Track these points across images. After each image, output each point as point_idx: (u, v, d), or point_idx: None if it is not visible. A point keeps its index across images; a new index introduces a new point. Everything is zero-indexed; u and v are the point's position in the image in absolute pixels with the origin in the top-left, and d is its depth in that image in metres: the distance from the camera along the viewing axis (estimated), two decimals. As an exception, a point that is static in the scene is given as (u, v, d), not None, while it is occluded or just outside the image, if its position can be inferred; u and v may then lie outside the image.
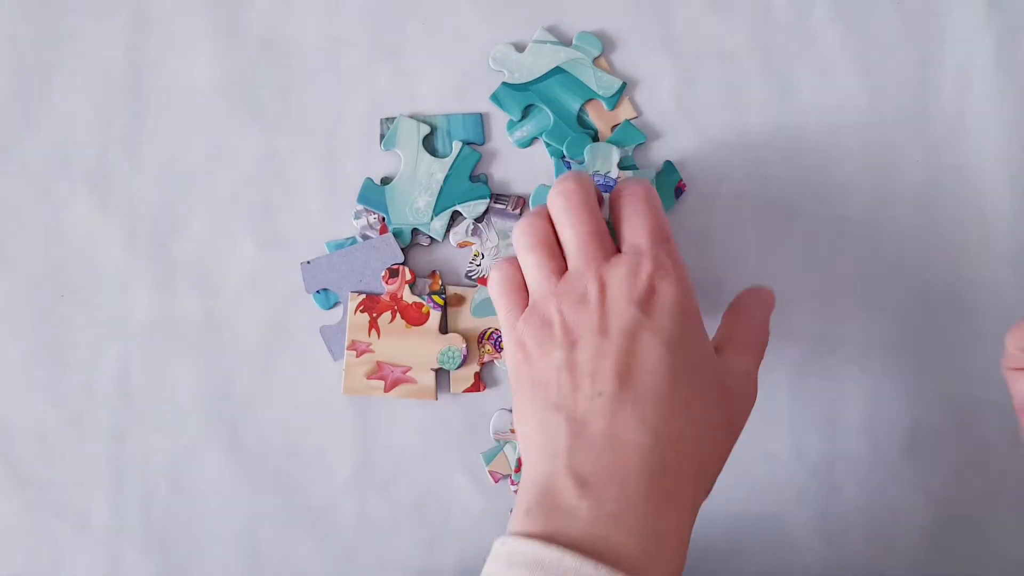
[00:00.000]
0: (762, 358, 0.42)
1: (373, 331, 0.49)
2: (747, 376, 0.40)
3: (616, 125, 0.50)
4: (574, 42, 0.50)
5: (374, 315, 0.49)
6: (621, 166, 0.50)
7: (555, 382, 0.37)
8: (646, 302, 0.37)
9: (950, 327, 0.50)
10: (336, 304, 0.50)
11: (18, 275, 0.50)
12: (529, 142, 0.50)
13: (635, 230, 0.39)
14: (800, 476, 0.49)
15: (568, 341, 0.38)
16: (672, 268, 0.38)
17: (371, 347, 0.49)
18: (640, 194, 0.40)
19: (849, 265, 0.50)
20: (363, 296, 0.49)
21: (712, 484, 0.39)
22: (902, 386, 0.50)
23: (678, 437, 0.36)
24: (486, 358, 0.49)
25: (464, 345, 0.49)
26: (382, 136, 0.50)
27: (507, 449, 0.49)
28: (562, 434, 0.36)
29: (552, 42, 0.50)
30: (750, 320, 0.43)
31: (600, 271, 0.38)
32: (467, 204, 0.50)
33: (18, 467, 0.50)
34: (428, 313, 0.49)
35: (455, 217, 0.50)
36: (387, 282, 0.49)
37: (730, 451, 0.40)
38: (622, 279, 0.38)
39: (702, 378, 0.38)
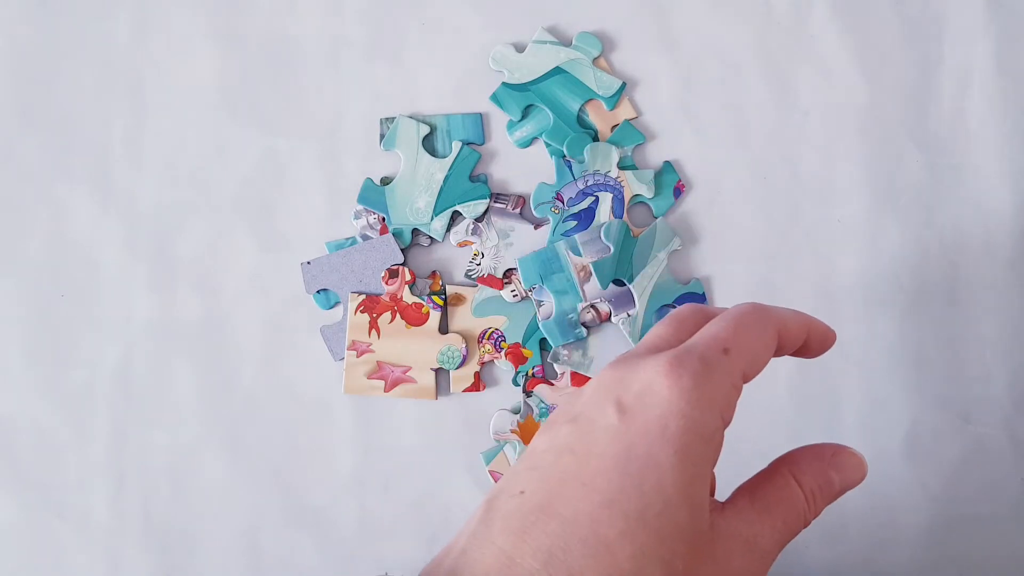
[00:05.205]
0: (788, 534, 0.30)
1: (373, 331, 0.49)
2: (749, 547, 0.28)
3: (616, 125, 0.50)
4: (574, 42, 0.50)
5: (374, 315, 0.49)
6: (621, 166, 0.50)
7: None
8: (630, 404, 0.27)
9: (950, 327, 0.50)
10: (336, 304, 0.50)
11: (19, 275, 0.51)
12: (529, 142, 0.50)
13: (700, 334, 0.30)
14: (800, 476, 0.49)
15: (548, 422, 0.30)
16: (691, 376, 0.27)
17: (371, 347, 0.49)
18: (737, 308, 0.31)
19: (849, 265, 0.50)
20: (363, 296, 0.49)
21: None
22: (902, 386, 0.50)
23: None
24: (486, 358, 0.49)
25: (464, 345, 0.49)
26: (382, 136, 0.50)
27: (507, 449, 0.49)
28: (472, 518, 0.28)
29: (552, 42, 0.50)
30: (787, 482, 0.31)
31: (617, 360, 0.30)
32: (467, 204, 0.50)
33: (19, 467, 0.50)
34: (428, 313, 0.49)
35: (455, 217, 0.50)
36: (387, 282, 0.49)
37: None
38: (618, 373, 0.29)
39: (659, 523, 0.26)
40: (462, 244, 0.50)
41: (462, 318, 0.50)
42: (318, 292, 0.50)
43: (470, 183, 0.50)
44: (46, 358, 0.50)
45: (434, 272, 0.50)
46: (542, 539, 0.25)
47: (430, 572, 0.27)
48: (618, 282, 0.49)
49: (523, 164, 0.50)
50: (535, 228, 0.50)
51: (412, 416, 0.50)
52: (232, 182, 0.51)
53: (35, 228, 0.51)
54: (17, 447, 0.50)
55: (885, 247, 0.50)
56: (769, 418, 0.49)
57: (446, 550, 0.27)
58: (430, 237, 0.50)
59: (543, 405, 0.49)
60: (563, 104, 0.50)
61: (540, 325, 0.49)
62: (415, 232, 0.50)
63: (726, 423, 0.28)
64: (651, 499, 0.25)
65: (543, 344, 0.50)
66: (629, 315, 0.49)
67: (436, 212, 0.50)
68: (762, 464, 0.53)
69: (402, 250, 0.50)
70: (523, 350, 0.50)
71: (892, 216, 0.50)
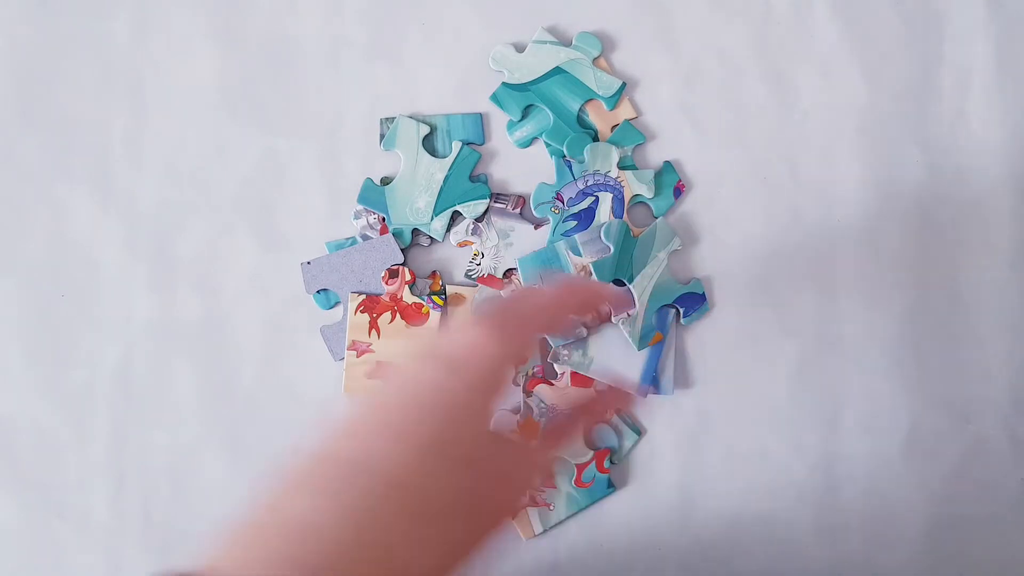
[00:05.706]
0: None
1: (373, 331, 0.49)
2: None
3: (616, 125, 0.50)
4: (574, 42, 0.50)
5: (374, 315, 0.49)
6: (621, 166, 0.50)
7: None
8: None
9: (950, 327, 0.50)
10: (336, 304, 0.50)
11: (19, 275, 0.51)
12: (529, 142, 0.50)
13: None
14: (799, 475, 0.49)
15: None
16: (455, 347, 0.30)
17: (371, 347, 0.49)
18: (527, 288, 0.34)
19: (849, 265, 0.50)
20: (363, 296, 0.49)
21: None
22: (902, 386, 0.50)
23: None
24: (486, 358, 0.49)
25: (464, 345, 0.49)
26: (382, 136, 0.50)
27: (507, 449, 0.49)
28: None
29: (552, 42, 0.50)
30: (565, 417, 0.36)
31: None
32: (467, 204, 0.50)
33: (19, 467, 0.50)
34: (428, 313, 0.49)
35: (455, 217, 0.50)
36: (387, 283, 0.49)
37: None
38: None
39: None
40: (462, 244, 0.50)
41: (462, 318, 0.50)
42: (318, 292, 0.50)
43: (470, 183, 0.50)
44: (46, 358, 0.50)
45: (434, 272, 0.50)
46: None
47: None
48: (618, 282, 0.49)
49: (523, 164, 0.50)
50: (535, 228, 0.50)
51: (412, 416, 0.50)
52: (232, 182, 0.51)
53: (35, 228, 0.51)
54: (17, 447, 0.50)
55: (885, 247, 0.50)
56: (769, 418, 0.49)
57: None
58: (430, 237, 0.50)
59: (543, 405, 0.49)
60: (563, 104, 0.50)
61: (540, 325, 0.49)
62: (415, 232, 0.50)
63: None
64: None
65: (543, 344, 0.50)
66: (629, 315, 0.49)
67: (436, 212, 0.50)
68: (761, 464, 0.53)
69: (402, 250, 0.50)
70: (523, 350, 0.49)
71: (892, 216, 0.50)
